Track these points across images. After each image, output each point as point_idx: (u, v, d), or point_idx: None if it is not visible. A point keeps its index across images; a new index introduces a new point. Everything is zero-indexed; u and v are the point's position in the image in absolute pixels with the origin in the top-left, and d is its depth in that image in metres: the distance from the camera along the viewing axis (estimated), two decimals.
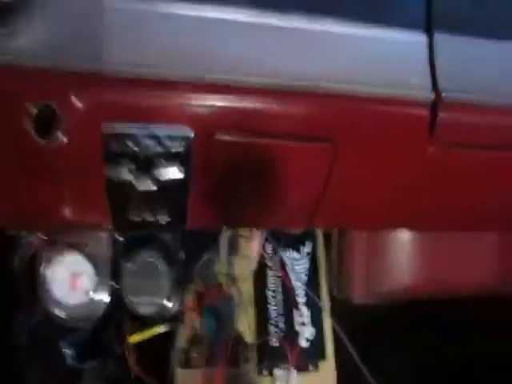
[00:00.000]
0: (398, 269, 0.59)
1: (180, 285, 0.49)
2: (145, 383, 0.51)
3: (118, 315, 0.49)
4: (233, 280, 0.56)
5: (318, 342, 0.56)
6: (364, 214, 0.41)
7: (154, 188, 0.32)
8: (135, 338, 0.53)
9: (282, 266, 0.57)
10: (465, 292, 0.60)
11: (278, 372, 0.54)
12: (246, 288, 0.57)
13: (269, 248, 0.58)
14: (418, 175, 0.37)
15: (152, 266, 0.46)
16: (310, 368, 0.56)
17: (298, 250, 0.59)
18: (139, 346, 0.53)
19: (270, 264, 0.58)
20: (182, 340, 0.54)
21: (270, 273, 0.57)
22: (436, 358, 0.69)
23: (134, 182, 0.31)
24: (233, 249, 0.55)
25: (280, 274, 0.57)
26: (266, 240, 0.57)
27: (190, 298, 0.54)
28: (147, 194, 0.32)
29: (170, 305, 0.47)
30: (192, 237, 0.49)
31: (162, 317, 0.49)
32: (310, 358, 0.56)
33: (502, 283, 0.60)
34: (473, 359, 0.67)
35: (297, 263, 0.58)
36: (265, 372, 0.55)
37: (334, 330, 0.58)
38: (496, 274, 0.59)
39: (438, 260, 0.59)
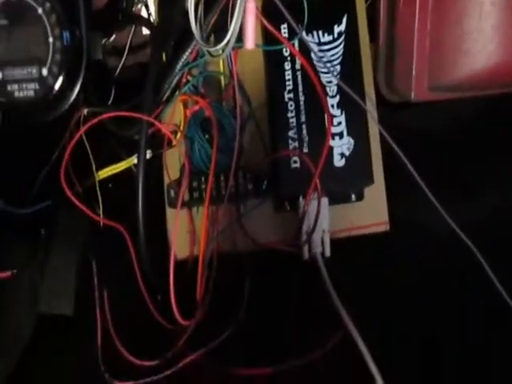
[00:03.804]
0: (479, 42, 0.39)
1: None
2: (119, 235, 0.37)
3: None
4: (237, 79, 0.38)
5: (360, 160, 0.39)
6: None
7: None
8: (102, 175, 0.38)
9: (305, 53, 0.38)
10: None
11: (303, 204, 0.38)
12: (254, 90, 0.40)
13: (284, 30, 0.39)
14: None
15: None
16: (352, 197, 0.40)
17: (327, 30, 0.39)
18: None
19: (286, 54, 0.39)
20: (170, 172, 0.39)
21: (287, 66, 0.39)
22: None
23: None
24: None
25: (301, 67, 0.38)
26: (279, 19, 0.37)
27: (170, 110, 0.37)
28: None
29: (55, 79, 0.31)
30: None
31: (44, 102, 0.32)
32: (349, 182, 0.39)
33: None
34: None
35: (326, 48, 0.39)
36: (286, 206, 0.40)
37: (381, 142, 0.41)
38: None
39: None
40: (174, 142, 0.37)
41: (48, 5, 0.34)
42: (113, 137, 0.38)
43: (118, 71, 0.41)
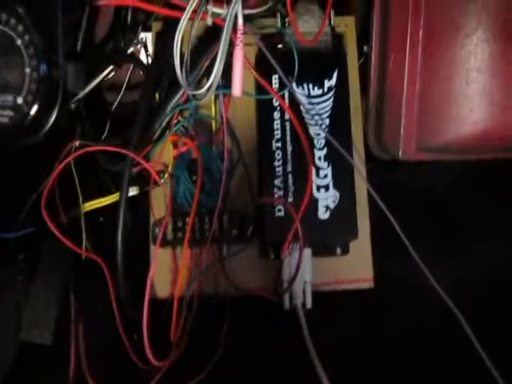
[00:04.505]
0: (466, 107, 0.40)
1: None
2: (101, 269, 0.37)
3: None
4: (227, 124, 0.39)
5: (345, 214, 0.39)
6: None
7: None
8: (88, 207, 0.38)
9: (294, 106, 0.39)
10: None
11: (287, 255, 0.38)
12: (244, 136, 0.40)
13: (275, 81, 0.40)
14: None
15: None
16: (338, 251, 0.39)
17: (318, 84, 0.40)
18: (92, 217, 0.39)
19: (275, 104, 0.40)
20: (156, 210, 0.39)
21: (276, 115, 0.39)
22: None
23: None
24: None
25: (290, 117, 0.39)
26: (271, 70, 0.39)
27: (159, 149, 0.38)
28: None
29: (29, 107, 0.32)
30: None
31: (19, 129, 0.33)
32: (333, 235, 0.39)
33: None
34: None
35: (316, 101, 0.40)
36: (270, 253, 0.39)
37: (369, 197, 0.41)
38: None
39: None
40: (160, 181, 0.37)
41: (27, 37, 0.35)
42: (104, 171, 0.39)
43: (114, 106, 0.42)
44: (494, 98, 0.40)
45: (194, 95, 0.36)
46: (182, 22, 0.35)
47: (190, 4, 0.35)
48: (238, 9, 0.36)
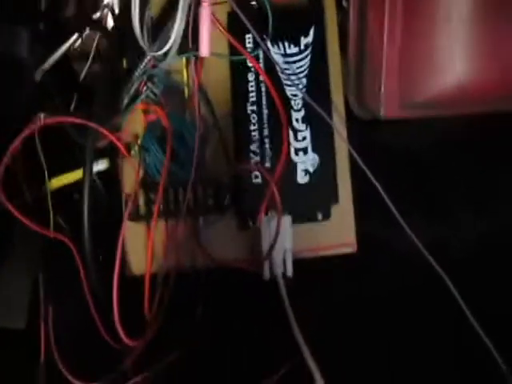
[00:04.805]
0: (449, 60, 0.38)
1: None
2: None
3: None
4: (200, 89, 0.37)
5: (325, 177, 0.38)
6: None
7: None
8: (55, 183, 0.37)
9: (269, 66, 0.37)
10: None
11: (264, 221, 0.37)
12: (219, 101, 0.38)
13: (249, 40, 0.38)
14: None
15: None
16: (319, 216, 0.38)
17: (294, 41, 0.38)
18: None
19: (249, 64, 0.38)
20: (127, 184, 0.37)
21: (250, 77, 0.38)
22: None
23: None
24: None
25: (264, 78, 0.37)
26: (244, 29, 0.36)
27: (128, 118, 0.36)
28: None
29: None
30: None
31: None
32: (313, 199, 0.38)
33: None
34: None
35: (292, 60, 0.38)
36: (249, 222, 0.38)
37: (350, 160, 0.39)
38: None
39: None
40: (129, 153, 0.36)
41: None
42: (75, 145, 0.37)
43: (82, 77, 0.40)
44: (477, 49, 0.38)
45: (157, 59, 0.34)
46: None
47: None
48: None
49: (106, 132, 0.33)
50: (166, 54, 0.34)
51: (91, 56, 0.40)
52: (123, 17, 0.36)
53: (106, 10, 0.40)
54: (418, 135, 0.43)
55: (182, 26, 0.33)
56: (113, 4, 0.40)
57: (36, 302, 0.37)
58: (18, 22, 0.34)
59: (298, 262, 0.37)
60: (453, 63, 0.38)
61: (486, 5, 0.36)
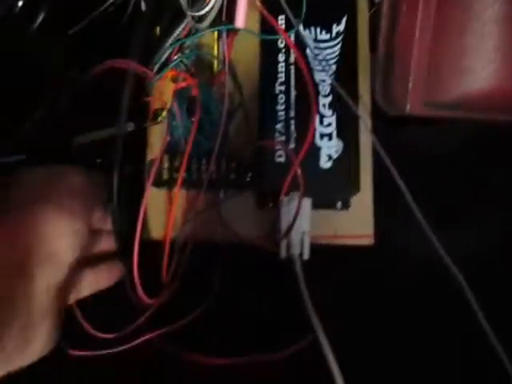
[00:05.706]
0: (479, 62, 0.38)
1: None
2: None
3: None
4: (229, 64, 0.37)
5: (348, 165, 0.38)
6: None
7: None
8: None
9: (300, 48, 0.38)
10: None
11: (285, 201, 0.36)
12: (246, 78, 0.38)
13: (281, 21, 0.38)
14: None
15: None
16: (338, 205, 0.38)
17: (325, 28, 0.38)
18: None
19: (281, 45, 0.38)
20: (153, 149, 0.37)
21: (281, 57, 0.38)
22: None
23: None
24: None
25: (295, 61, 0.37)
26: (278, 10, 0.37)
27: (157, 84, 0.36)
28: None
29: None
30: None
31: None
32: (334, 185, 0.37)
33: None
34: None
35: (323, 46, 0.38)
36: (269, 202, 0.37)
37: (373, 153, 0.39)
38: None
39: None
40: (156, 119, 0.35)
41: None
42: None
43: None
44: (509, 54, 0.38)
45: (194, 20, 0.34)
46: None
47: None
48: None
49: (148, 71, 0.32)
50: (202, 19, 0.34)
51: (128, 11, 0.39)
52: None
53: None
54: (441, 137, 0.43)
55: None
56: None
57: None
58: None
59: (314, 248, 0.36)
60: (482, 65, 0.38)
61: None
